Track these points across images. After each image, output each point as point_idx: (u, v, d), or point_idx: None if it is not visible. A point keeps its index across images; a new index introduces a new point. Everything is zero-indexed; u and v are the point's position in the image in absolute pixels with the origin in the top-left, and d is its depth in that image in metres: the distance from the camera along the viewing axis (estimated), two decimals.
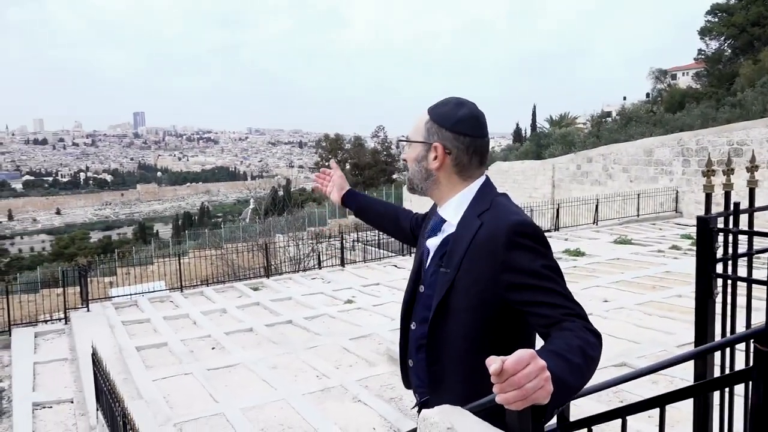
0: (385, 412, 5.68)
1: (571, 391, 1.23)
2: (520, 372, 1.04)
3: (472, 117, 1.64)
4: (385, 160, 50.77)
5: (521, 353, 1.06)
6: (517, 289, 1.45)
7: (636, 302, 8.73)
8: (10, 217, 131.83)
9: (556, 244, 14.13)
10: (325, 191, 2.30)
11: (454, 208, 1.64)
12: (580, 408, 4.94)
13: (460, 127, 1.62)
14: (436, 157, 1.64)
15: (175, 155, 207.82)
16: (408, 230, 2.11)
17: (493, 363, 1.04)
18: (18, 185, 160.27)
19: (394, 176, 49.20)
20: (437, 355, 1.63)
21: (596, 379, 1.50)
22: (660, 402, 1.64)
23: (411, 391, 1.81)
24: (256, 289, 11.72)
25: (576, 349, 1.27)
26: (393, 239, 19.68)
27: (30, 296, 13.83)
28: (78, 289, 11.65)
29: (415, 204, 30.10)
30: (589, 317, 1.40)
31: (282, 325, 9.12)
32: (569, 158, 24.63)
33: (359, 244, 19.41)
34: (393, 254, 17.22)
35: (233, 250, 17.14)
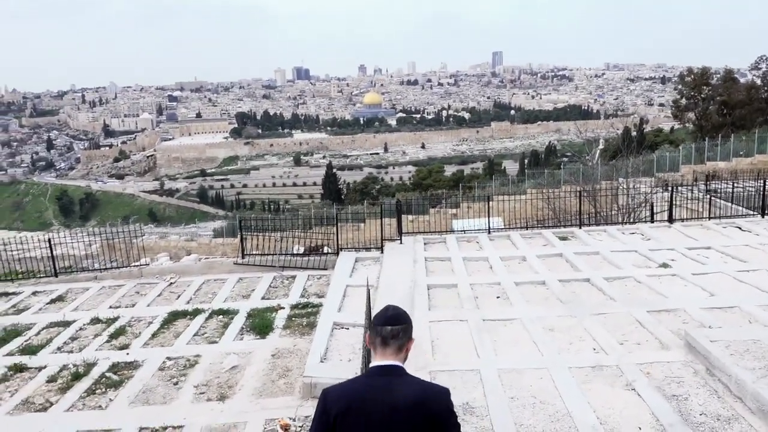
0: (660, 411, 4.70)
1: None
2: None
3: None
4: (766, 97, 42.20)
5: None
6: None
7: None
8: (386, 149, 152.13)
9: None
10: None
11: None
12: None
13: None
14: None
15: (528, 93, 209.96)
16: None
17: None
18: (393, 121, 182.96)
19: None
20: None
21: None
22: None
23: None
24: (563, 239, 11.02)
25: None
26: (753, 191, 16.27)
27: (387, 221, 15.42)
28: (418, 217, 12.74)
29: None
30: None
31: (577, 282, 8.38)
32: None
33: (707, 195, 16.72)
34: (751, 212, 14.39)
35: (556, 194, 16.46)
